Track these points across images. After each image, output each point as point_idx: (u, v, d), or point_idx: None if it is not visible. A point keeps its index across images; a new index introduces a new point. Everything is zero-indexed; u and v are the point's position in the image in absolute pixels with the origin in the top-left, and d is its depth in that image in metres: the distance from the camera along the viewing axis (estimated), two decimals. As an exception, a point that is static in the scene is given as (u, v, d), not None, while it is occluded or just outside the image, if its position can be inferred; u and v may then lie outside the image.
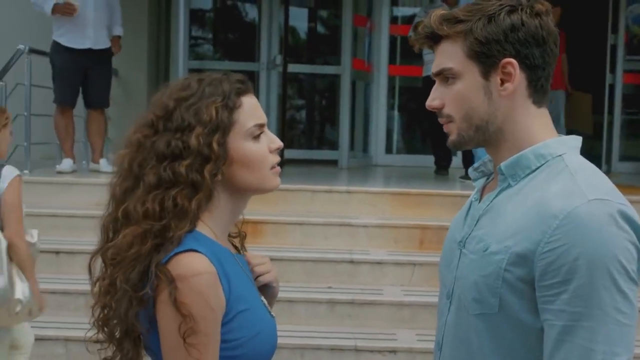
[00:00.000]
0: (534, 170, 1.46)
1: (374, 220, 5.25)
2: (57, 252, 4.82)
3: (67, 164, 6.23)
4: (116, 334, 1.50)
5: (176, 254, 1.43)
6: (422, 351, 4.16)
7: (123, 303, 1.44)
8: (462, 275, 1.50)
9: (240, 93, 1.53)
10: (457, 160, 7.63)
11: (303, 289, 4.59)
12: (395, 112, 8.59)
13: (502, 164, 1.48)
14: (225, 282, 1.47)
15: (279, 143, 1.57)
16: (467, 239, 1.52)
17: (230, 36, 9.66)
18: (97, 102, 6.49)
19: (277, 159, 1.57)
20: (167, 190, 1.45)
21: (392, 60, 8.37)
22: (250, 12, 9.24)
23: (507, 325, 1.40)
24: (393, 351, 4.15)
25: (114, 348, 1.52)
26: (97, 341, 1.55)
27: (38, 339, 4.18)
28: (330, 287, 4.64)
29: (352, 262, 4.77)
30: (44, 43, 6.35)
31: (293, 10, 8.31)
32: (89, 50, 6.18)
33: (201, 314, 1.41)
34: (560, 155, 1.46)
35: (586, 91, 8.53)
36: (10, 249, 3.30)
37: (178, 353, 1.42)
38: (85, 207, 5.35)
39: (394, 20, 8.52)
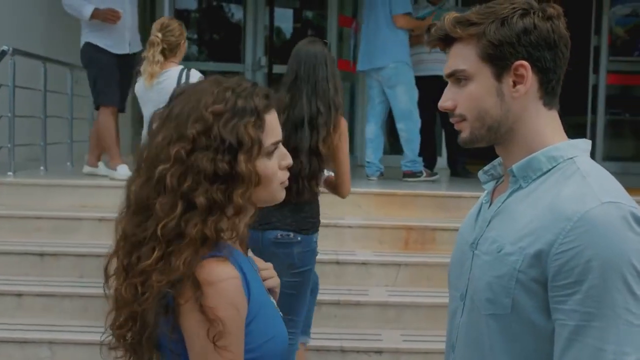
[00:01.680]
0: (545, 173, 1.48)
1: (359, 221, 5.26)
2: (42, 255, 4.79)
3: (124, 169, 5.81)
4: (140, 336, 1.52)
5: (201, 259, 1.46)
6: (408, 351, 4.19)
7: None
8: (475, 277, 1.51)
9: (266, 110, 1.55)
10: (442, 160, 7.67)
11: (289, 290, 4.58)
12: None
13: (514, 166, 1.50)
14: (245, 286, 1.50)
15: (289, 160, 1.60)
16: (479, 240, 1.54)
17: (215, 37, 9.65)
18: (124, 105, 6.33)
19: (287, 175, 1.60)
20: (221, 213, 1.50)
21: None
22: (236, 13, 9.23)
23: (519, 325, 1.42)
24: (379, 352, 4.17)
25: (129, 354, 1.56)
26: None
27: (22, 342, 4.18)
28: (317, 288, 4.64)
29: (338, 262, 4.78)
30: (28, 44, 6.31)
31: (278, 11, 8.32)
32: (126, 55, 6.09)
33: (229, 316, 1.44)
34: (571, 158, 1.47)
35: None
36: None
37: (209, 357, 1.44)
38: (69, 209, 5.34)
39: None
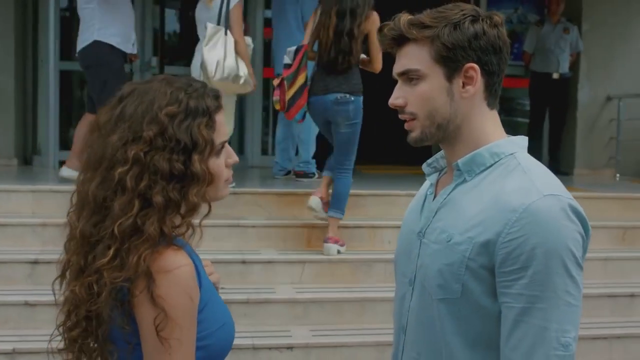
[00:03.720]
0: (488, 167, 1.60)
1: (262, 221, 5.33)
2: None
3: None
4: (93, 335, 1.54)
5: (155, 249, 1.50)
6: (317, 346, 4.29)
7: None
8: (424, 264, 1.62)
9: (216, 111, 1.61)
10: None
11: (196, 290, 4.57)
12: (270, 115, 8.64)
13: (460, 161, 1.61)
14: (197, 274, 1.55)
15: (235, 158, 1.66)
16: (426, 230, 1.64)
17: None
18: None
19: (231, 172, 1.66)
20: (176, 211, 1.55)
21: (266, 63, 8.44)
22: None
23: (468, 308, 1.53)
24: (290, 347, 4.24)
25: (76, 355, 1.58)
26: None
27: None
28: (223, 288, 4.64)
29: (243, 262, 4.83)
30: None
31: (168, 11, 8.21)
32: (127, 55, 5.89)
33: (182, 306, 1.48)
34: (512, 154, 1.61)
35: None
36: (236, 44, 5.41)
37: (153, 346, 1.49)
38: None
39: (267, 23, 8.57)
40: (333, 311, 4.62)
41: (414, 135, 1.64)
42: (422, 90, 1.59)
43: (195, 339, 1.53)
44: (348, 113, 4.91)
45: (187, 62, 8.68)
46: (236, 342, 4.29)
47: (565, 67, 8.31)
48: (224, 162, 1.63)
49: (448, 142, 1.64)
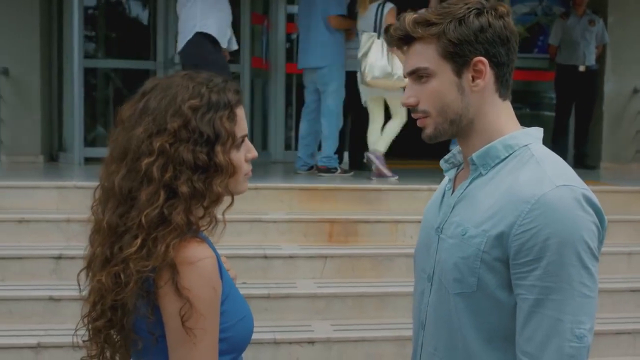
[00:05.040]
0: (503, 160, 1.59)
1: (283, 216, 5.33)
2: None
3: None
4: (117, 325, 1.57)
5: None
6: (339, 341, 4.30)
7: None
8: (442, 259, 1.61)
9: (237, 105, 1.64)
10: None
11: (217, 285, 4.59)
12: (293, 110, 8.66)
13: (474, 155, 1.61)
14: (218, 267, 1.58)
15: (254, 153, 1.68)
16: (444, 225, 1.64)
17: (125, 34, 9.45)
18: None
19: (250, 167, 1.68)
20: (201, 202, 1.58)
21: (289, 58, 8.47)
22: (144, 10, 9.09)
23: (484, 301, 1.53)
24: (311, 342, 4.25)
25: (100, 346, 1.61)
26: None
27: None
28: (244, 283, 4.67)
29: (265, 257, 4.84)
30: None
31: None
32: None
33: (207, 297, 1.50)
34: (526, 145, 1.59)
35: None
36: None
37: (178, 336, 1.51)
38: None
39: (289, 18, 8.60)
40: (354, 306, 4.62)
41: (428, 132, 1.64)
42: (432, 87, 1.59)
43: (218, 329, 1.56)
44: None
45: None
46: (257, 336, 4.34)
47: (591, 60, 8.21)
48: (243, 156, 1.65)
49: (462, 136, 1.64)
